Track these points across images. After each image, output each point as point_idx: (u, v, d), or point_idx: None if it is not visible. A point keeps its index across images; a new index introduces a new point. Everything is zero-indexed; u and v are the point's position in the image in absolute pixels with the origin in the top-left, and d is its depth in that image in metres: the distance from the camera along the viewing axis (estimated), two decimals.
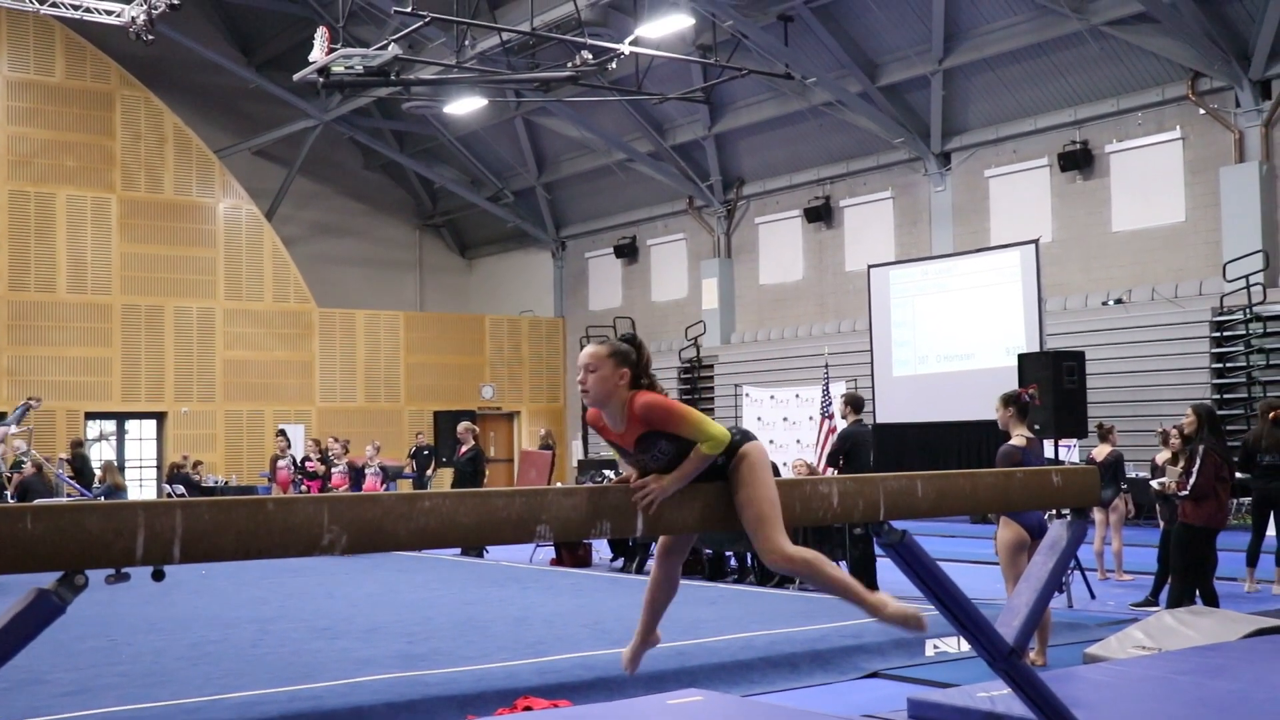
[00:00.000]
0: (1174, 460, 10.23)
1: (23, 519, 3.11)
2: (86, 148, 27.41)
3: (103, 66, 27.59)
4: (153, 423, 27.93)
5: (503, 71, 22.20)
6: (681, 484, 4.24)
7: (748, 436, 4.47)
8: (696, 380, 27.45)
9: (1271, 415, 11.75)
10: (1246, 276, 18.57)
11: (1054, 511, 6.68)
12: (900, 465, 18.24)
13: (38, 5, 22.93)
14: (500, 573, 14.79)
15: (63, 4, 22.95)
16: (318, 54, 18.58)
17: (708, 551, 13.82)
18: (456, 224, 34.72)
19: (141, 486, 27.13)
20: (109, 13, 22.76)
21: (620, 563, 15.12)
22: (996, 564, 8.00)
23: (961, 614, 4.80)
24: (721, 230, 27.86)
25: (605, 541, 15.03)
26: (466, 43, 22.67)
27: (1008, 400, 8.13)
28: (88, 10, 22.88)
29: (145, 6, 21.78)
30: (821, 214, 25.69)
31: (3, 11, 25.03)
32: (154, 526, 3.25)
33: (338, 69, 18.87)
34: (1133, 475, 14.81)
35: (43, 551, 3.12)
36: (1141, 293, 20.56)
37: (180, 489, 22.61)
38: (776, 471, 4.57)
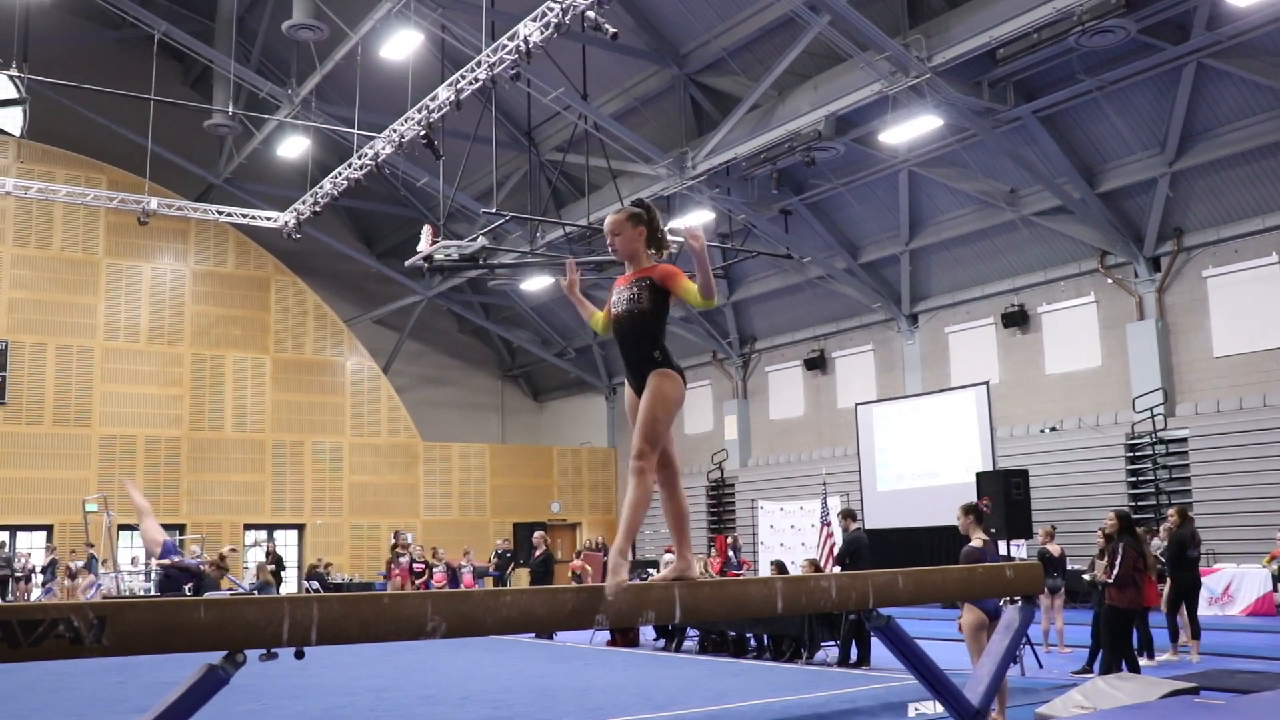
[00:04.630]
0: (1100, 555, 10.07)
1: (196, 610, 3.13)
2: (248, 320, 27.88)
3: (262, 258, 28.19)
4: (294, 532, 27.94)
5: (566, 256, 22.50)
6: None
7: (674, 365, 4.28)
8: (721, 497, 27.25)
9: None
10: (1151, 409, 18.48)
11: (1009, 598, 6.56)
12: (885, 564, 18.01)
13: (217, 215, 23.57)
14: (566, 652, 14.59)
15: (234, 213, 23.59)
16: (424, 245, 18.93)
17: (732, 633, 13.62)
18: (530, 374, 34.91)
19: (285, 584, 27.03)
20: (268, 218, 23.36)
21: (662, 643, 14.89)
22: (963, 641, 7.83)
23: (936, 682, 4.71)
24: (739, 377, 27.90)
25: (651, 626, 14.84)
26: (538, 234, 23.07)
27: (967, 509, 8.04)
28: (253, 217, 23.50)
29: (295, 214, 22.36)
30: (817, 363, 25.72)
31: (193, 221, 25.70)
32: (296, 615, 3.26)
33: (439, 256, 19.20)
34: (1070, 568, 14.55)
35: (211, 635, 3.14)
36: (1070, 422, 20.39)
37: (316, 585, 22.53)
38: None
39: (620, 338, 4.35)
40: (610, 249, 4.38)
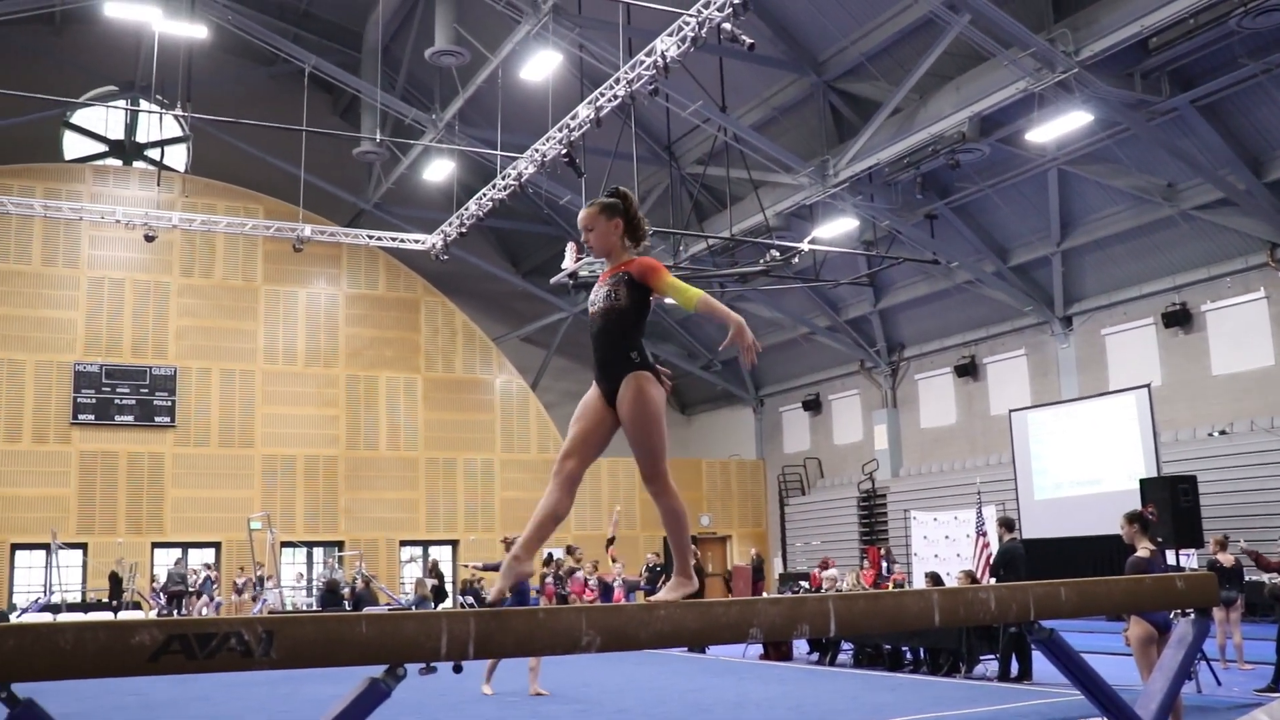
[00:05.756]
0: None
1: (358, 624, 3.21)
2: (400, 341, 28.66)
3: (411, 280, 28.96)
4: (449, 548, 28.53)
5: (709, 269, 22.55)
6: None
7: (652, 368, 3.88)
8: (873, 508, 26.85)
9: None
10: None
11: (1179, 610, 6.29)
12: (1044, 574, 17.47)
13: (368, 239, 24.36)
14: (719, 666, 14.55)
15: (384, 237, 24.34)
16: (568, 262, 19.19)
17: (887, 646, 13.39)
18: (677, 388, 34.97)
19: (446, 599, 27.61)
20: (416, 241, 24.01)
21: (816, 656, 14.74)
22: (1127, 655, 7.53)
23: (1105, 698, 4.54)
24: (888, 386, 27.48)
25: (805, 639, 14.70)
26: (681, 248, 23.15)
27: (1132, 518, 7.73)
28: (401, 241, 24.20)
29: (442, 236, 22.93)
30: (968, 370, 25.16)
31: (345, 246, 26.59)
32: (454, 630, 3.30)
33: (584, 273, 19.43)
34: (1247, 579, 13.85)
35: (372, 649, 3.20)
36: (1242, 425, 19.47)
37: (470, 600, 22.96)
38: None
39: (595, 336, 3.99)
40: (585, 244, 4.03)
